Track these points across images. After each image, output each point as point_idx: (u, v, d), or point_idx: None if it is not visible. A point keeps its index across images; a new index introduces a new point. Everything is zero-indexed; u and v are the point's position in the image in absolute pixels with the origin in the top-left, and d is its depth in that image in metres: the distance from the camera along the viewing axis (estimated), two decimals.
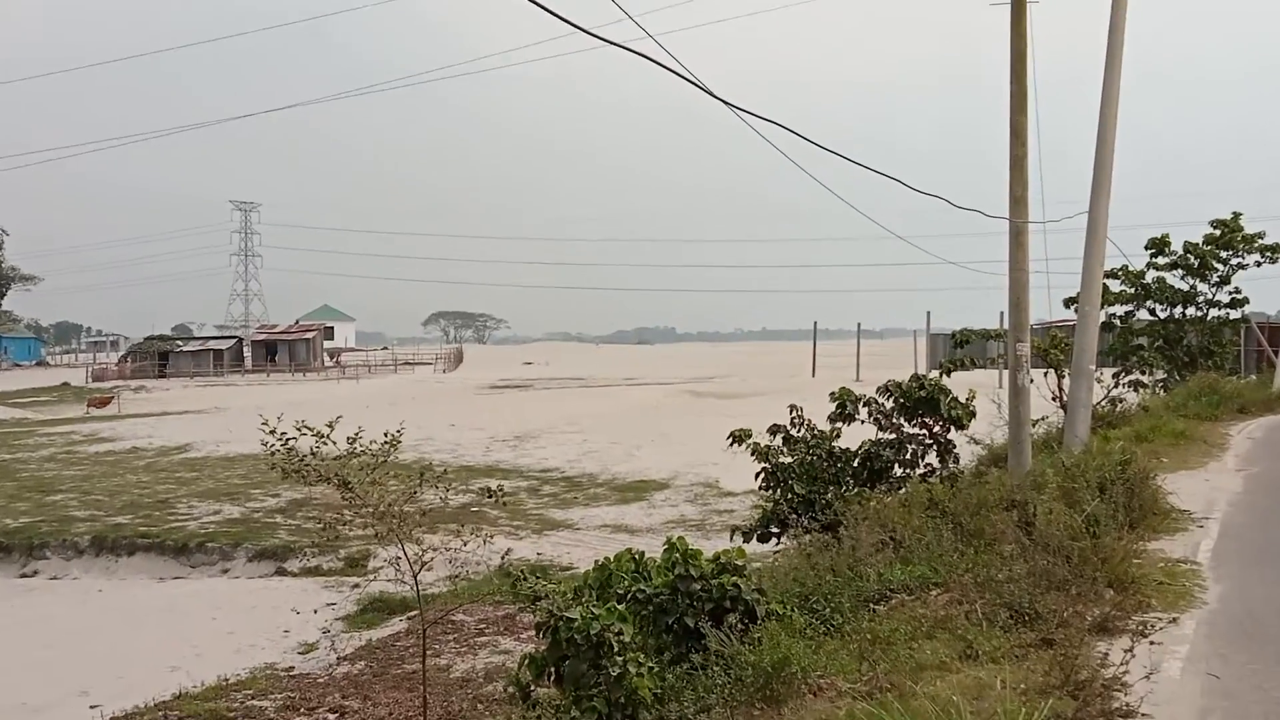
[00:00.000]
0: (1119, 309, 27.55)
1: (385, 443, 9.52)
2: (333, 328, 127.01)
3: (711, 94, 8.20)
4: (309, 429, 9.31)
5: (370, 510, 8.74)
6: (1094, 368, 15.71)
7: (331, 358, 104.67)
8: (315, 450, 9.29)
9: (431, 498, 10.33)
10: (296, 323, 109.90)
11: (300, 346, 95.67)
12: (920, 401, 12.43)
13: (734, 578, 7.25)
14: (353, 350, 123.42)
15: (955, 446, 12.79)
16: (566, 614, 6.53)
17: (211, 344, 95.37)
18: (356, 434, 9.44)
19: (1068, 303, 20.07)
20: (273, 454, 9.23)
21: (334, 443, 9.34)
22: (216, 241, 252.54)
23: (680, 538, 7.81)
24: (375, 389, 61.84)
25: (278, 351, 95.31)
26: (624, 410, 40.35)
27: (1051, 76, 15.28)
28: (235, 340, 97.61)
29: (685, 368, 78.71)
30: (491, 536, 9.93)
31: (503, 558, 12.41)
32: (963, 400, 12.58)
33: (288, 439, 9.21)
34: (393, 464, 9.86)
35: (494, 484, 10.25)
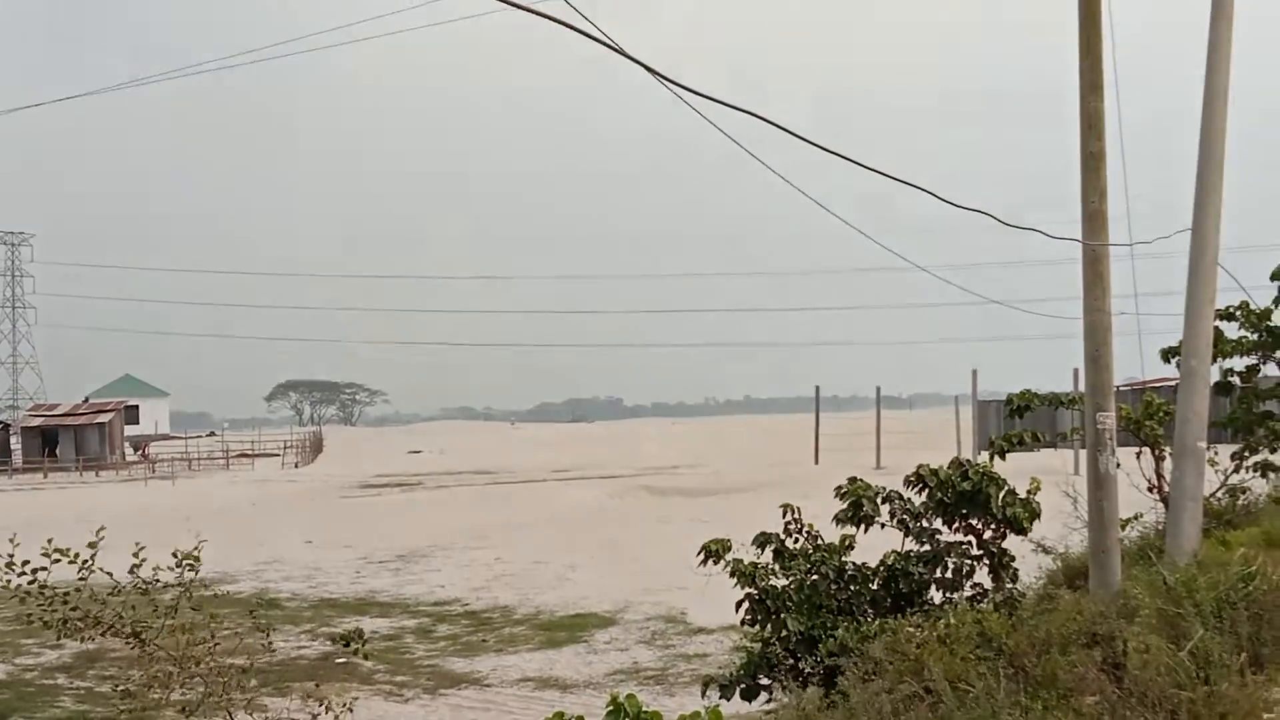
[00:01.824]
0: (1238, 362, 27.67)
1: (183, 561, 9.35)
2: (137, 407, 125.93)
3: (639, 63, 8.31)
4: (60, 554, 9.14)
5: (174, 668, 8.62)
6: (1205, 445, 15.78)
7: (135, 449, 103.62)
8: (80, 586, 9.14)
9: (281, 644, 10.17)
10: (86, 400, 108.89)
11: (90, 434, 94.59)
12: (963, 497, 12.46)
13: None
14: (166, 438, 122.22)
15: (1014, 559, 12.83)
16: None
17: None
18: (139, 556, 9.27)
19: (1166, 355, 20.15)
20: (22, 598, 9.07)
21: (106, 572, 9.19)
22: None
23: (630, 695, 7.78)
24: (198, 493, 61.21)
25: (59, 441, 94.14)
26: (552, 516, 40.19)
27: (1131, 41, 15.58)
28: None
29: (638, 454, 78.67)
30: (351, 704, 9.75)
31: None
32: (1022, 493, 12.64)
33: (35, 573, 9.06)
34: (214, 598, 9.72)
35: (354, 627, 10.09)
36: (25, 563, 9.10)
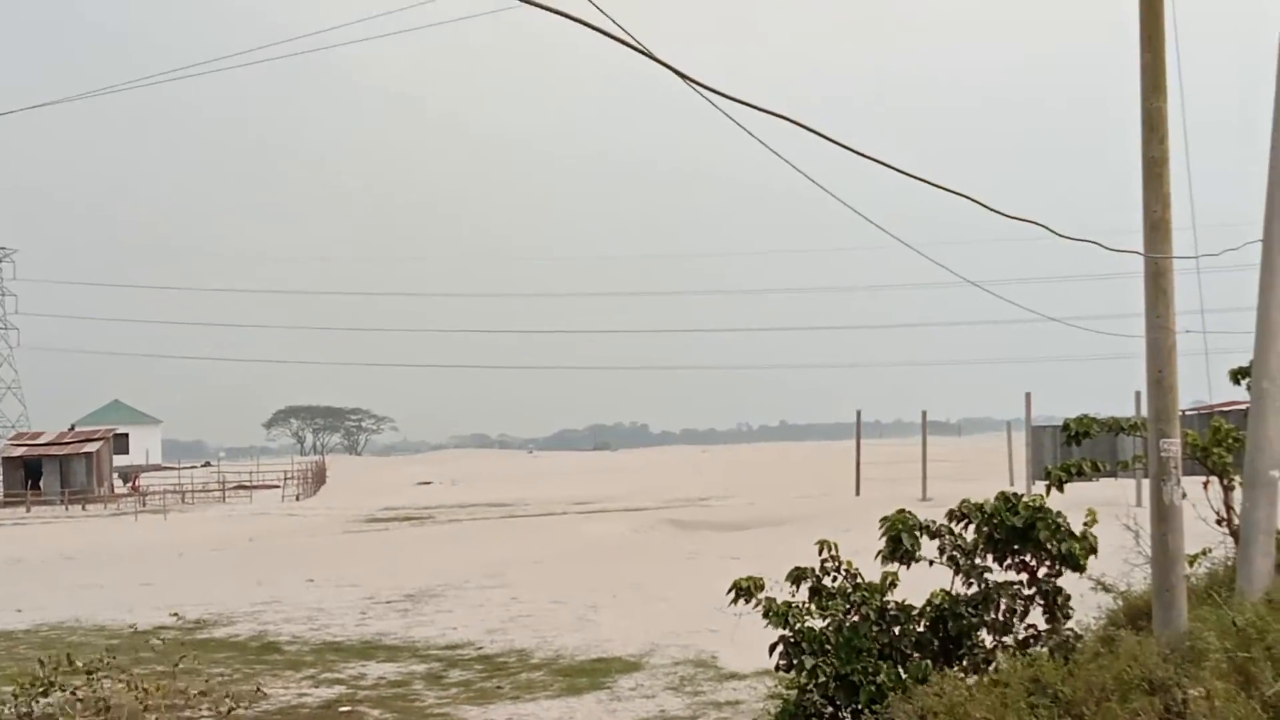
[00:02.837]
0: None
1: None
2: (127, 435, 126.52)
3: (668, 66, 8.34)
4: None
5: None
6: (1278, 474, 15.71)
7: (125, 481, 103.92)
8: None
9: (280, 693, 10.23)
10: (72, 428, 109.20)
11: (76, 464, 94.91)
12: (1014, 532, 12.45)
13: None
14: (158, 469, 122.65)
15: (1069, 598, 12.80)
16: None
17: None
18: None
19: (1236, 376, 20.05)
20: None
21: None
22: None
23: None
24: (192, 528, 61.37)
25: (43, 472, 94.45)
26: (573, 552, 40.21)
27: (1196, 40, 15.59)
28: None
29: (665, 484, 78.70)
30: None
31: None
32: (1078, 526, 12.60)
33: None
34: (214, 641, 9.79)
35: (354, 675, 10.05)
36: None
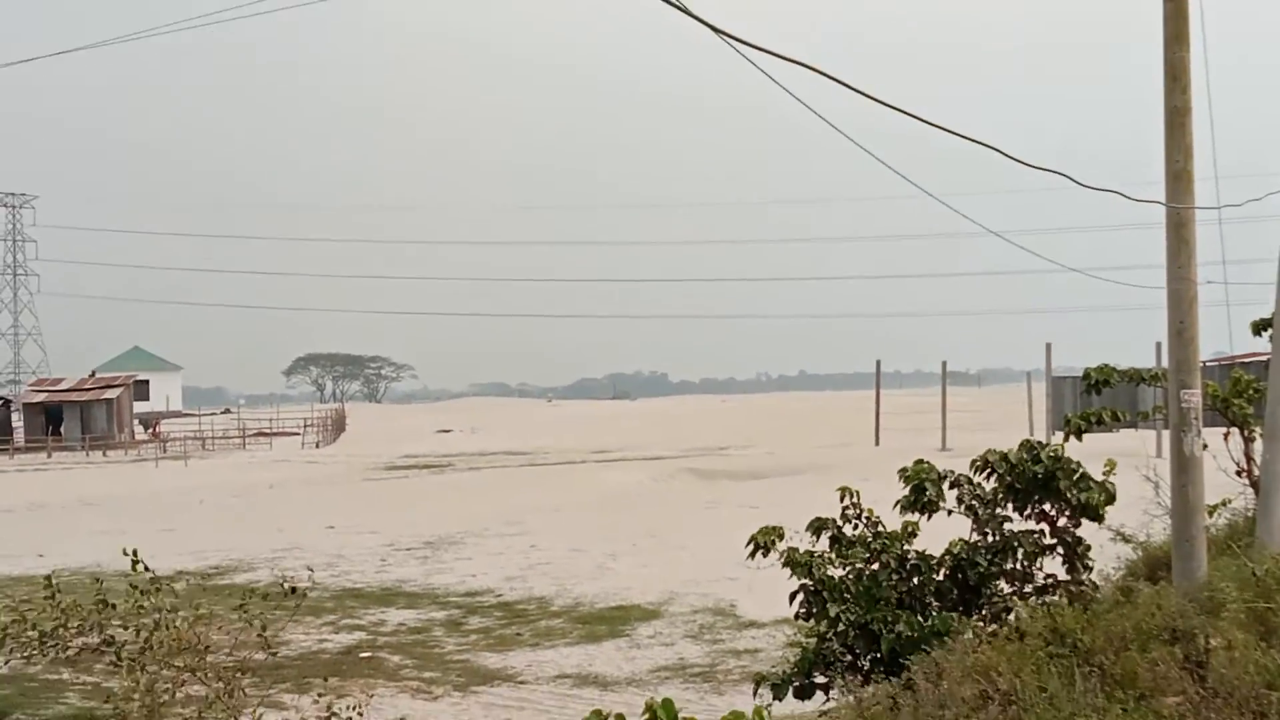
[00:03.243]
0: None
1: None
2: (147, 381, 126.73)
3: (703, 21, 8.31)
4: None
5: (171, 669, 8.66)
6: None
7: (146, 427, 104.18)
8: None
9: (301, 639, 10.23)
10: (92, 374, 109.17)
11: (97, 410, 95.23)
12: (1035, 482, 12.44)
13: None
14: (178, 415, 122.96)
15: (1089, 548, 12.80)
16: None
17: None
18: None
19: (1258, 328, 19.96)
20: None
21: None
22: None
23: (667, 701, 7.76)
24: (212, 474, 61.54)
25: (63, 419, 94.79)
26: (592, 501, 40.26)
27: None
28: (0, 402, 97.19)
29: (684, 433, 78.66)
30: (360, 707, 9.75)
31: None
32: (1098, 477, 12.59)
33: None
34: (233, 586, 9.82)
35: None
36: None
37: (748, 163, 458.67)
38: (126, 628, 9.02)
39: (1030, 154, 13.71)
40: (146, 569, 9.16)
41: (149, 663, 8.78)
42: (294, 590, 9.51)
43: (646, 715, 7.59)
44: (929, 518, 12.63)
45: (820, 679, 11.94)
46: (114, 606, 9.19)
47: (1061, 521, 12.52)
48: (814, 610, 12.16)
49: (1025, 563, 12.40)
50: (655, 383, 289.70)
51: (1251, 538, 14.12)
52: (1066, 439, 13.17)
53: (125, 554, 9.25)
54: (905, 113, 11.35)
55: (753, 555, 12.26)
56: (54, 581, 9.37)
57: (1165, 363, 13.82)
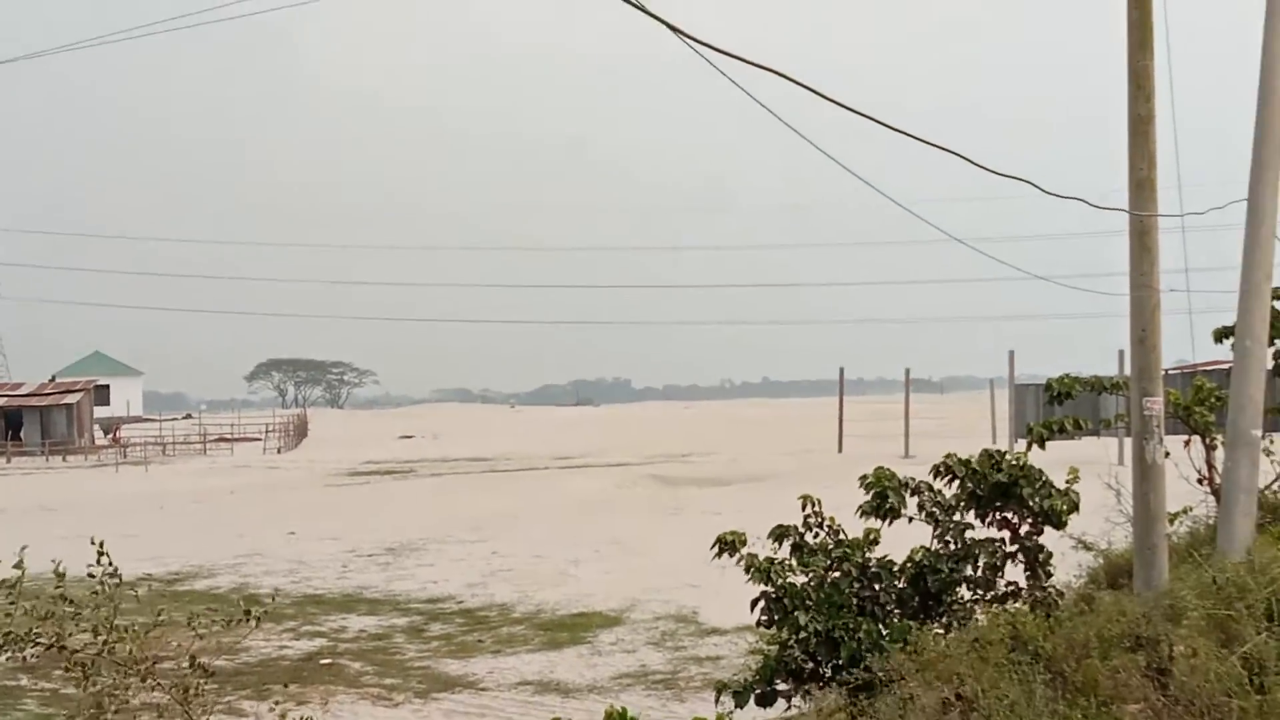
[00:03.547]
0: None
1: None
2: (108, 386, 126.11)
3: (657, 18, 8.32)
4: None
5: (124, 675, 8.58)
6: (1260, 433, 15.72)
7: (106, 432, 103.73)
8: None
9: (261, 645, 10.19)
10: (52, 379, 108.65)
11: (57, 415, 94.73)
12: (996, 489, 12.47)
13: None
14: (139, 420, 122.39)
15: (1050, 555, 12.83)
16: None
17: None
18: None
19: (1220, 335, 20.06)
20: None
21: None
22: None
23: (623, 708, 7.77)
24: (173, 480, 61.30)
25: (23, 423, 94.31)
26: (555, 507, 40.24)
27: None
28: None
29: (647, 440, 78.74)
30: (324, 703, 9.72)
31: None
32: (1061, 485, 12.63)
33: None
34: (193, 592, 9.77)
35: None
36: None
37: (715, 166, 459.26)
38: (84, 633, 8.95)
39: (995, 162, 13.75)
40: (110, 563, 9.09)
41: (103, 668, 8.71)
42: (249, 613, 9.43)
43: None
44: (890, 524, 12.66)
45: (782, 686, 11.96)
46: (78, 611, 9.12)
47: (1024, 529, 12.56)
48: (775, 617, 12.17)
49: (987, 570, 12.44)
50: (618, 389, 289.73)
51: (1212, 546, 14.20)
52: (1029, 448, 13.19)
53: (92, 544, 9.17)
54: (870, 118, 11.37)
55: (719, 555, 12.27)
56: (15, 585, 9.27)
57: (1128, 370, 13.84)
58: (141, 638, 8.82)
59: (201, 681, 8.87)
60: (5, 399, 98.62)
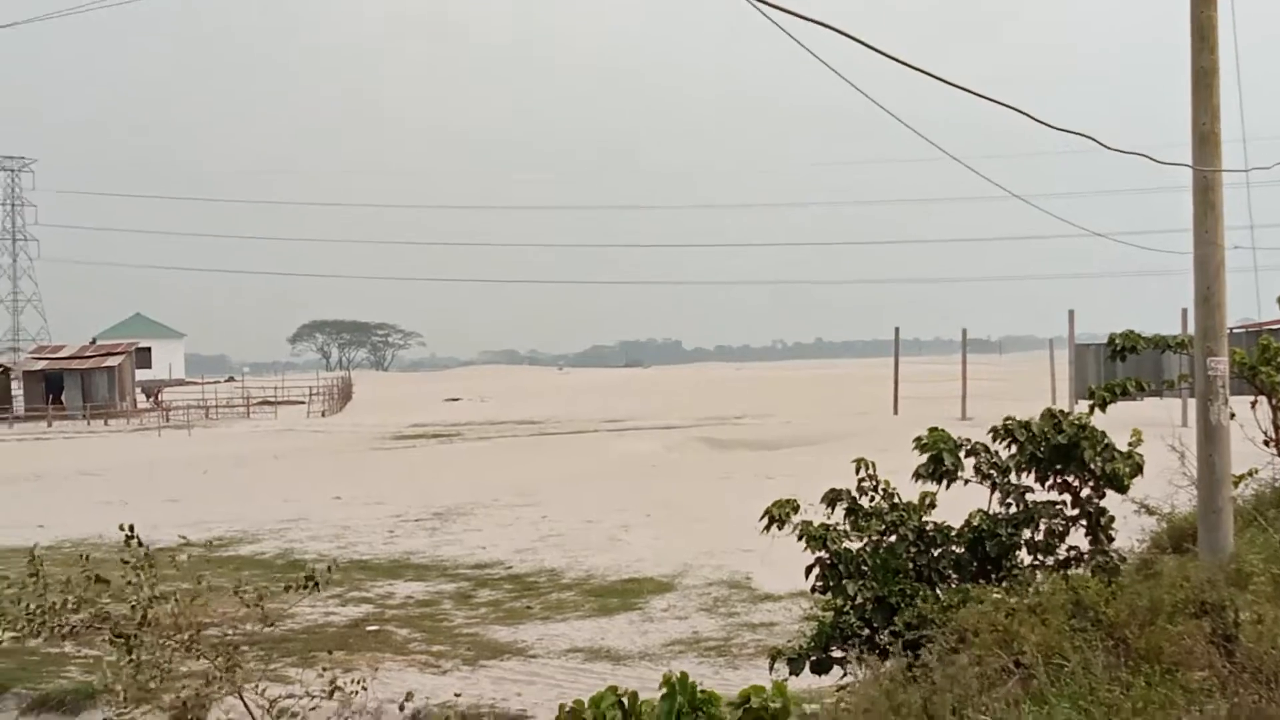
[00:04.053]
0: None
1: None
2: (149, 349, 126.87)
3: None
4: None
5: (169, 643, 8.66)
6: None
7: (148, 395, 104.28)
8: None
9: (307, 612, 10.25)
10: (93, 342, 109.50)
11: (98, 378, 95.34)
12: (1057, 451, 12.39)
13: None
14: (181, 383, 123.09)
15: (1113, 519, 12.76)
16: None
17: None
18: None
19: None
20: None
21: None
22: None
23: (683, 676, 7.77)
24: (216, 444, 61.61)
25: (64, 386, 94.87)
26: (604, 471, 40.28)
27: None
28: None
29: (698, 402, 78.58)
30: (362, 682, 9.73)
31: (401, 708, 12.05)
32: (1123, 447, 12.55)
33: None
34: (238, 558, 9.85)
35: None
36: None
37: (758, 125, 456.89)
38: (124, 602, 9.02)
39: (1054, 117, 13.63)
40: (140, 544, 9.15)
41: (145, 638, 8.77)
42: (310, 579, 9.51)
43: (663, 689, 7.59)
44: (947, 487, 12.58)
45: (837, 653, 11.93)
46: (108, 582, 9.18)
47: (1085, 492, 12.47)
48: (830, 583, 12.14)
49: (1047, 534, 12.36)
50: (668, 350, 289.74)
51: (1278, 508, 14.09)
52: (1091, 411, 13.11)
53: (121, 530, 9.24)
54: (929, 74, 11.30)
55: (767, 529, 12.23)
56: (37, 558, 9.35)
57: (1191, 329, 13.75)
58: (187, 605, 8.88)
59: (242, 650, 8.93)
60: (46, 362, 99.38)
